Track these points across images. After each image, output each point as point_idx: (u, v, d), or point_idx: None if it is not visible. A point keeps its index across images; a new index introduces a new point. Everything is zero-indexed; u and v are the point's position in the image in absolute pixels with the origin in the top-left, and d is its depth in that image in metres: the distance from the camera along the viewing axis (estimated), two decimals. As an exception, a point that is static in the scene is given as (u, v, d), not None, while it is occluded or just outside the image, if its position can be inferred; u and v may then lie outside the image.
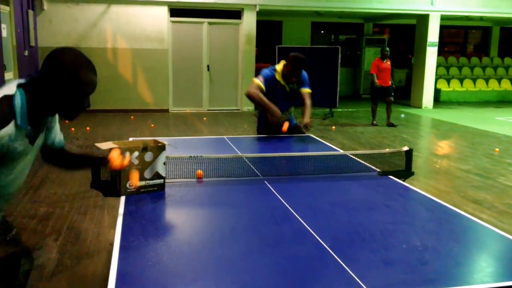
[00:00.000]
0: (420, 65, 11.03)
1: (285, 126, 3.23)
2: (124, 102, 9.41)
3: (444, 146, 6.75)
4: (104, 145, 1.88)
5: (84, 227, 3.28)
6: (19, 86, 1.39)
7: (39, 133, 1.50)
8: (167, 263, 1.32)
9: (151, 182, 1.89)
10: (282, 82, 3.25)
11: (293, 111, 3.47)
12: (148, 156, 1.87)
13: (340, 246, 1.42)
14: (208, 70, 9.93)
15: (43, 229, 3.23)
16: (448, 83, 12.80)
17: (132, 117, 8.72)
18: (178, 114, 9.41)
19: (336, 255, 1.36)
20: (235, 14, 9.84)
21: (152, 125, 7.86)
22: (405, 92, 12.42)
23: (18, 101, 1.35)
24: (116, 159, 1.69)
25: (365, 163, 2.45)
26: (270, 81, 3.24)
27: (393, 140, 6.94)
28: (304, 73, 3.35)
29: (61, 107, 1.43)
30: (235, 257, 1.36)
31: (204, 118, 8.76)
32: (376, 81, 7.94)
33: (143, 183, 1.87)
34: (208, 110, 9.98)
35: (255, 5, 9.66)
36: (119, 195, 1.84)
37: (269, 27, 12.34)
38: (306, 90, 3.37)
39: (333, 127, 7.96)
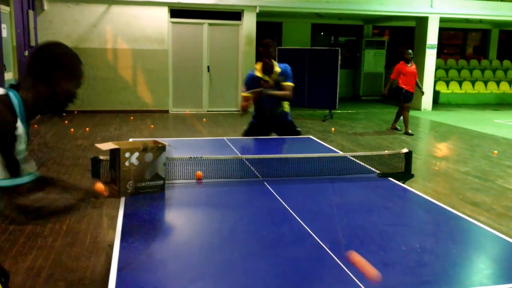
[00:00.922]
0: (419, 67, 11.02)
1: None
2: (124, 103, 9.41)
3: (442, 148, 6.76)
4: (104, 146, 1.89)
5: (83, 229, 3.27)
6: (9, 87, 1.37)
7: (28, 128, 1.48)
8: (167, 265, 1.32)
9: (151, 183, 1.89)
10: (263, 77, 3.36)
11: (285, 106, 3.50)
12: (148, 157, 1.87)
13: (340, 248, 1.42)
14: (208, 71, 9.93)
15: (41, 230, 3.22)
16: (447, 85, 12.82)
17: (131, 117, 8.72)
18: (178, 115, 9.41)
19: (336, 257, 1.36)
20: (235, 15, 9.86)
21: (152, 125, 7.86)
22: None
23: (15, 101, 1.34)
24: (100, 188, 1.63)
25: (365, 165, 2.45)
26: (251, 81, 3.37)
27: (392, 142, 6.95)
28: (287, 67, 3.45)
29: (58, 103, 1.43)
30: (235, 258, 1.36)
31: (204, 119, 8.76)
32: (388, 85, 7.50)
33: (143, 184, 1.87)
34: (208, 111, 9.99)
35: (255, 7, 9.67)
36: (118, 196, 1.84)
37: (269, 29, 12.35)
38: (287, 83, 3.46)
39: (333, 128, 7.97)
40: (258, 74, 3.39)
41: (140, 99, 9.59)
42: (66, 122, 7.69)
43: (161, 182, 1.91)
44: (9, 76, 7.00)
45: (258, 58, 3.36)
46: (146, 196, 1.87)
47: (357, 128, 8.19)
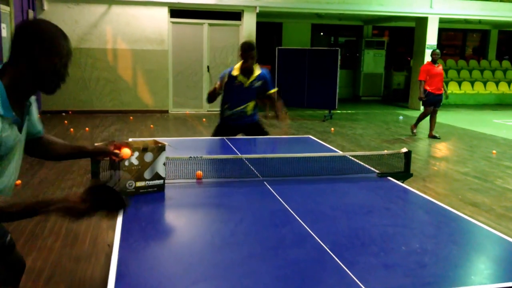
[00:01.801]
0: (419, 68, 11.05)
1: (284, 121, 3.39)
2: (123, 103, 9.41)
3: (442, 149, 6.76)
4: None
5: (82, 229, 3.27)
6: None
7: (24, 118, 1.43)
8: (167, 265, 1.32)
9: (151, 182, 1.89)
10: (240, 77, 3.38)
11: (251, 105, 3.51)
12: (148, 156, 1.87)
13: (341, 249, 1.42)
14: (208, 71, 9.93)
15: (41, 231, 3.22)
16: (447, 86, 12.82)
17: (131, 118, 8.72)
18: (178, 115, 9.41)
19: (337, 258, 1.36)
20: (235, 15, 9.86)
21: (152, 126, 7.86)
22: (404, 95, 12.46)
23: None
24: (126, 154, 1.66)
25: (365, 165, 2.45)
26: (230, 80, 3.38)
27: (392, 142, 6.96)
28: (265, 72, 3.46)
29: (45, 81, 1.37)
30: (235, 259, 1.36)
31: (204, 119, 8.76)
32: (422, 89, 7.06)
33: (143, 183, 1.87)
34: (208, 111, 9.99)
35: (255, 7, 9.67)
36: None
37: (269, 29, 12.36)
38: (272, 91, 3.49)
39: (332, 129, 7.97)
40: (236, 73, 3.39)
41: (140, 99, 9.59)
42: (66, 122, 7.68)
43: (161, 181, 1.91)
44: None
45: (244, 59, 3.35)
46: (146, 196, 1.87)
47: (356, 128, 8.19)
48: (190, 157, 2.23)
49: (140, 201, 1.81)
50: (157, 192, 1.90)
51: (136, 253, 1.37)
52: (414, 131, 7.46)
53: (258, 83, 3.42)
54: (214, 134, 3.61)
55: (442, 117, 10.03)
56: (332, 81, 9.07)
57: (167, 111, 9.72)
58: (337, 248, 1.43)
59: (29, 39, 1.33)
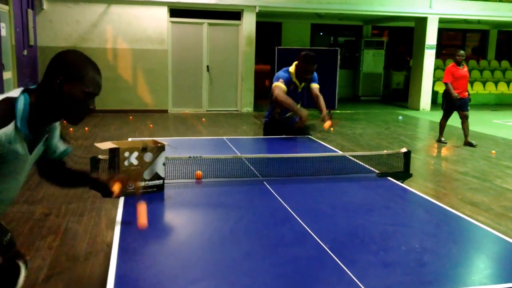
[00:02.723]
0: (418, 68, 11.07)
1: (327, 124, 3.33)
2: (123, 102, 9.40)
3: (441, 149, 6.77)
4: (103, 145, 1.88)
5: (81, 229, 3.27)
6: (24, 90, 1.37)
7: (38, 142, 1.45)
8: (166, 264, 1.32)
9: (150, 182, 1.89)
10: (296, 82, 3.38)
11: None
12: (147, 156, 1.87)
13: (340, 248, 1.42)
14: (208, 71, 9.93)
15: (40, 230, 3.22)
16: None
17: (131, 117, 8.72)
18: (178, 115, 9.41)
19: (336, 257, 1.36)
20: (235, 15, 9.86)
21: (151, 125, 7.86)
22: (403, 94, 12.47)
23: (20, 104, 1.33)
24: (116, 190, 1.64)
25: (364, 165, 2.45)
26: (288, 83, 3.34)
27: (391, 142, 6.96)
28: (315, 75, 3.49)
29: (67, 110, 1.39)
30: (235, 259, 1.36)
31: (203, 119, 8.76)
32: (452, 90, 6.51)
33: (142, 183, 1.87)
34: (207, 111, 9.98)
35: (255, 6, 9.67)
36: (118, 196, 1.84)
37: (269, 29, 12.36)
38: (315, 85, 3.47)
39: (332, 128, 7.97)
40: (293, 78, 3.36)
41: (140, 99, 9.59)
42: (65, 122, 7.67)
43: (160, 181, 1.91)
44: (8, 75, 6.98)
45: (301, 71, 3.30)
46: (145, 195, 1.87)
47: (356, 128, 8.20)
48: (190, 157, 2.23)
49: (141, 199, 1.81)
50: (157, 192, 1.90)
51: (135, 252, 1.37)
52: (442, 139, 6.88)
53: (305, 85, 3.44)
54: (265, 133, 3.53)
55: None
56: (332, 81, 9.08)
57: (166, 111, 9.72)
58: (336, 246, 1.43)
59: (55, 68, 1.36)
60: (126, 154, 1.81)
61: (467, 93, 6.68)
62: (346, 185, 2.17)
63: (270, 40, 12.47)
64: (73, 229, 3.26)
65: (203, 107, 10.01)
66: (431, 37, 10.74)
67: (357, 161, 2.53)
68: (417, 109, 11.08)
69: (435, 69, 11.74)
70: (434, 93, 12.06)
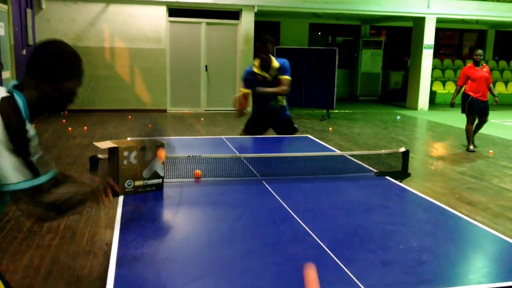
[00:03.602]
0: (416, 67, 11.10)
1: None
2: (121, 102, 9.39)
3: (439, 148, 6.80)
4: (102, 144, 1.88)
5: (81, 227, 3.27)
6: (13, 87, 1.36)
7: None
8: (165, 263, 1.32)
9: (149, 181, 1.89)
10: (261, 73, 3.39)
11: (282, 100, 3.51)
12: (146, 155, 1.87)
13: (339, 247, 1.43)
14: (206, 70, 9.93)
15: (39, 229, 3.22)
16: (444, 86, 12.89)
17: (129, 116, 8.71)
18: (176, 114, 9.40)
19: (335, 256, 1.37)
20: (233, 14, 9.85)
21: (150, 125, 7.84)
22: (401, 94, 12.50)
23: (20, 102, 1.33)
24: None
25: (362, 164, 2.46)
26: (249, 76, 3.40)
27: (389, 142, 6.98)
28: (285, 61, 3.46)
29: (63, 101, 1.43)
30: (234, 258, 1.37)
31: (202, 119, 8.76)
32: (455, 94, 6.23)
33: (141, 182, 1.87)
34: (205, 110, 9.98)
35: (253, 6, 9.67)
36: (117, 195, 1.84)
37: (267, 28, 12.35)
38: (284, 77, 3.47)
39: (330, 128, 7.99)
40: (256, 70, 3.40)
41: (138, 98, 9.57)
42: (64, 121, 7.66)
43: (159, 180, 1.91)
44: (6, 75, 6.96)
45: (256, 54, 3.40)
46: (144, 194, 1.87)
47: (354, 128, 8.21)
48: (189, 156, 2.23)
49: (139, 200, 1.82)
50: (156, 191, 1.90)
51: (135, 250, 1.38)
52: (471, 147, 6.26)
53: (279, 74, 3.42)
54: (246, 128, 3.59)
55: (440, 116, 10.07)
56: (330, 81, 9.09)
57: (165, 110, 9.71)
58: (335, 245, 1.44)
59: (50, 62, 1.37)
60: (126, 153, 1.81)
61: (488, 96, 6.10)
62: (344, 184, 2.18)
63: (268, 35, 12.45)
64: (73, 228, 3.26)
65: (202, 106, 10.01)
66: (428, 37, 10.77)
67: (355, 160, 2.54)
68: (415, 108, 11.11)
69: (432, 69, 11.77)
70: (432, 93, 12.10)
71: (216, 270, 1.28)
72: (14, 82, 1.40)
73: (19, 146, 1.26)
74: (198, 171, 2.17)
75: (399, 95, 12.78)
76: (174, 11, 9.53)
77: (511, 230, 3.46)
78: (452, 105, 6.42)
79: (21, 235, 3.07)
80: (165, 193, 1.92)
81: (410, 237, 1.55)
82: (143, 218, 1.67)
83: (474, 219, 1.78)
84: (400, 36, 13.64)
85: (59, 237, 3.08)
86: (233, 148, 2.84)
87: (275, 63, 3.41)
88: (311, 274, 1.12)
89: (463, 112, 6.29)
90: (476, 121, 6.32)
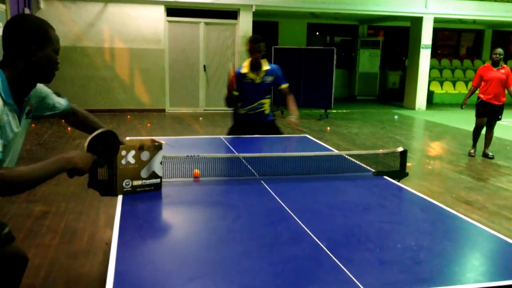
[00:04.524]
0: (414, 67, 11.13)
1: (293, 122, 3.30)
2: (120, 102, 9.38)
3: (436, 148, 6.82)
4: None
5: (80, 227, 3.27)
6: None
7: (22, 114, 1.51)
8: (164, 262, 1.33)
9: (148, 181, 1.89)
10: (250, 74, 3.36)
11: (267, 103, 3.45)
12: (144, 155, 1.87)
13: (337, 246, 1.44)
14: (205, 70, 9.93)
15: (39, 228, 3.22)
16: (441, 85, 12.92)
17: (128, 116, 8.70)
18: (175, 114, 9.40)
19: (333, 255, 1.38)
20: (232, 14, 9.86)
21: (149, 124, 7.85)
22: (399, 94, 12.53)
23: None
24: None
25: (360, 164, 2.48)
26: (237, 78, 3.35)
27: (387, 141, 7.00)
28: (278, 67, 3.44)
29: (43, 72, 1.47)
30: (232, 257, 1.37)
31: (200, 118, 8.76)
32: (467, 95, 5.90)
33: (139, 182, 1.87)
34: (204, 110, 9.98)
35: (252, 6, 9.68)
36: (115, 195, 1.85)
37: (265, 28, 12.35)
38: (283, 86, 3.45)
39: (328, 128, 8.00)
40: (245, 70, 3.36)
41: (137, 98, 9.57)
42: (63, 121, 7.65)
43: (158, 180, 1.92)
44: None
45: (249, 54, 3.36)
46: (143, 194, 1.88)
47: (352, 127, 8.23)
48: (187, 155, 2.24)
49: (138, 199, 1.82)
50: (154, 191, 1.91)
51: (134, 250, 1.38)
52: (471, 151, 6.04)
53: (270, 79, 3.37)
54: (231, 133, 3.52)
55: (437, 116, 10.10)
56: (328, 81, 9.10)
57: (164, 110, 9.71)
58: (333, 245, 1.45)
59: (23, 35, 1.41)
60: (123, 152, 1.82)
61: (504, 99, 5.72)
62: (342, 184, 2.19)
63: (266, 39, 12.46)
64: (72, 227, 3.26)
65: (200, 106, 10.01)
66: (426, 37, 10.80)
67: (353, 160, 2.55)
68: (413, 108, 11.14)
69: (430, 69, 11.81)
70: (430, 93, 12.14)
71: (214, 269, 1.29)
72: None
73: None
74: (196, 171, 2.18)
75: (397, 95, 12.81)
76: (172, 11, 9.53)
77: (507, 229, 3.48)
78: (462, 106, 6.07)
79: (21, 234, 3.08)
80: (163, 193, 1.93)
81: (407, 236, 1.56)
82: (142, 217, 1.67)
83: (470, 218, 1.79)
84: (398, 36, 13.67)
85: (59, 236, 3.09)
86: (232, 148, 2.85)
87: (266, 66, 3.39)
88: None
89: (476, 113, 5.96)
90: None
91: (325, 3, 10.06)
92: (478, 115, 5.90)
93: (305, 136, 3.37)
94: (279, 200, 1.89)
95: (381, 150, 2.61)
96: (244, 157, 2.47)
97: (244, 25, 9.80)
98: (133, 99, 9.51)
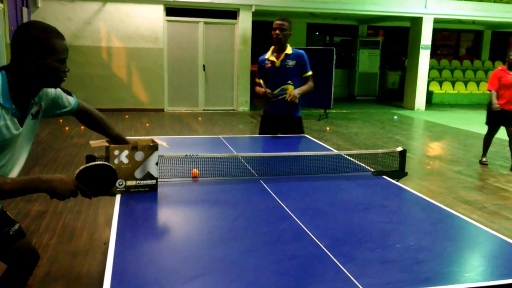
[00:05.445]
0: (413, 68, 11.13)
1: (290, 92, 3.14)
2: (118, 101, 9.36)
3: (436, 148, 6.82)
4: (96, 143, 1.88)
5: (78, 226, 3.26)
6: (1, 68, 1.44)
7: (26, 115, 1.51)
8: (163, 261, 1.32)
9: (142, 182, 1.86)
10: (270, 57, 3.27)
11: (290, 90, 3.21)
12: (138, 155, 1.84)
13: (337, 246, 1.43)
14: (204, 70, 9.92)
15: (37, 228, 3.20)
16: (440, 86, 12.93)
17: (126, 116, 8.68)
18: (173, 114, 9.39)
19: (333, 255, 1.37)
20: (231, 14, 9.85)
21: (147, 124, 7.83)
22: (399, 94, 12.54)
23: None
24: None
25: (360, 163, 2.47)
26: (260, 63, 3.28)
27: (386, 141, 7.00)
28: (302, 52, 3.31)
29: (46, 80, 1.48)
30: (232, 257, 1.37)
31: (199, 118, 8.75)
32: (494, 99, 5.22)
33: (133, 182, 1.85)
34: (203, 110, 9.97)
35: (251, 6, 9.67)
36: (109, 194, 1.82)
37: (265, 28, 12.35)
38: (307, 74, 3.33)
39: (327, 128, 8.00)
40: (268, 56, 3.24)
41: (135, 97, 9.55)
42: (61, 120, 7.63)
43: (153, 181, 1.88)
44: (2, 73, 6.93)
45: (274, 36, 3.21)
46: (142, 194, 1.87)
47: (352, 127, 8.23)
48: (186, 155, 2.23)
49: (137, 199, 1.82)
50: (149, 192, 1.87)
51: (133, 249, 1.38)
52: (483, 159, 5.58)
53: (291, 63, 3.21)
54: (260, 130, 3.39)
55: (436, 116, 10.11)
56: (328, 81, 9.10)
57: (162, 110, 9.69)
58: (333, 244, 1.44)
59: (24, 43, 1.42)
60: (116, 152, 1.80)
61: None
62: (342, 184, 2.18)
63: (266, 39, 12.46)
64: (71, 226, 3.25)
65: (199, 106, 10.00)
66: (426, 37, 10.81)
67: (353, 160, 2.54)
68: (412, 108, 11.15)
69: (429, 69, 11.82)
70: (429, 93, 12.15)
71: (213, 268, 1.28)
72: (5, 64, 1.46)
73: None
74: (195, 170, 2.17)
75: (397, 95, 12.82)
76: (171, 10, 9.52)
77: (506, 229, 3.48)
78: (495, 109, 5.24)
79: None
80: (162, 192, 1.92)
81: (407, 236, 1.55)
82: (141, 216, 1.67)
83: (470, 217, 1.79)
84: (398, 36, 13.68)
85: (57, 236, 3.08)
86: (231, 148, 2.84)
87: (289, 50, 3.23)
88: None
89: (486, 122, 5.48)
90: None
91: (324, 3, 10.06)
92: (490, 122, 5.41)
93: (305, 136, 3.36)
94: (278, 200, 1.88)
95: (380, 150, 2.60)
96: (243, 157, 2.46)
97: (244, 25, 9.80)
98: (131, 98, 9.49)
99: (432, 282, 1.23)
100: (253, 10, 9.72)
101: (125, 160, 1.81)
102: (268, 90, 3.21)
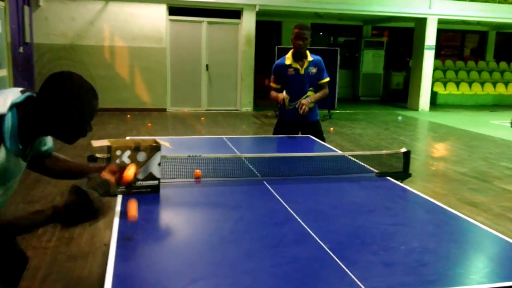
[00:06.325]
0: (418, 68, 11.08)
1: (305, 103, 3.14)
2: (121, 101, 9.37)
3: (440, 149, 6.78)
4: (98, 143, 1.86)
5: (79, 228, 3.25)
6: (13, 106, 1.31)
7: (31, 150, 1.46)
8: (164, 264, 1.31)
9: (144, 183, 1.84)
10: (293, 64, 3.24)
11: (311, 95, 3.26)
12: (141, 156, 1.82)
13: (340, 248, 1.42)
14: (207, 70, 9.91)
15: (37, 230, 3.19)
16: (445, 86, 12.86)
17: (128, 116, 8.69)
18: (176, 114, 9.39)
19: (336, 257, 1.35)
20: (235, 14, 9.84)
21: (149, 124, 7.84)
22: (403, 95, 12.48)
23: (8, 124, 1.28)
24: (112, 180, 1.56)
25: (364, 165, 2.45)
26: (280, 69, 3.24)
27: (390, 142, 6.96)
28: (321, 59, 3.32)
29: (63, 131, 1.39)
30: (234, 259, 1.35)
31: (202, 118, 8.74)
32: None
33: (135, 183, 1.83)
34: (206, 110, 9.97)
35: (255, 5, 9.66)
36: (109, 195, 1.81)
37: (269, 28, 12.34)
38: (325, 80, 3.35)
39: (331, 128, 7.97)
40: (288, 61, 3.23)
41: (138, 97, 9.56)
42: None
43: (155, 182, 1.86)
44: (3, 73, 6.94)
45: (294, 42, 3.18)
46: (143, 195, 1.85)
47: (356, 128, 8.20)
48: (189, 156, 2.21)
49: (138, 200, 1.80)
50: (151, 193, 1.85)
51: (133, 251, 1.36)
52: None
53: (314, 70, 3.25)
54: (275, 132, 3.38)
55: (441, 117, 10.05)
56: (332, 81, 9.04)
57: (165, 110, 9.70)
58: (336, 247, 1.42)
59: (55, 90, 1.34)
60: (118, 152, 1.78)
61: None
62: (345, 185, 2.16)
63: (269, 39, 12.45)
64: (70, 228, 3.23)
65: (202, 106, 9.99)
66: (430, 37, 10.76)
67: (356, 161, 2.52)
68: (416, 109, 11.10)
69: (434, 70, 11.76)
70: (433, 94, 12.08)
71: (216, 271, 1.27)
72: (18, 98, 1.34)
73: None
74: (198, 171, 2.16)
75: (401, 95, 12.76)
76: (174, 10, 9.52)
77: (512, 232, 3.44)
78: None
79: (18, 236, 3.05)
80: (164, 194, 1.90)
81: (411, 238, 1.53)
82: (143, 218, 1.65)
83: (475, 219, 1.76)
84: (402, 36, 13.62)
85: (56, 237, 3.07)
86: (234, 148, 2.82)
87: (310, 56, 3.25)
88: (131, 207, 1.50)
89: None
90: None
91: (329, 3, 10.03)
92: None
93: (309, 137, 3.34)
94: (282, 201, 1.86)
95: (384, 151, 2.58)
96: (246, 158, 2.44)
97: (247, 24, 9.78)
98: (134, 98, 9.50)
99: (437, 284, 1.21)
100: (257, 9, 9.70)
101: (127, 161, 1.80)
102: (286, 96, 3.15)
